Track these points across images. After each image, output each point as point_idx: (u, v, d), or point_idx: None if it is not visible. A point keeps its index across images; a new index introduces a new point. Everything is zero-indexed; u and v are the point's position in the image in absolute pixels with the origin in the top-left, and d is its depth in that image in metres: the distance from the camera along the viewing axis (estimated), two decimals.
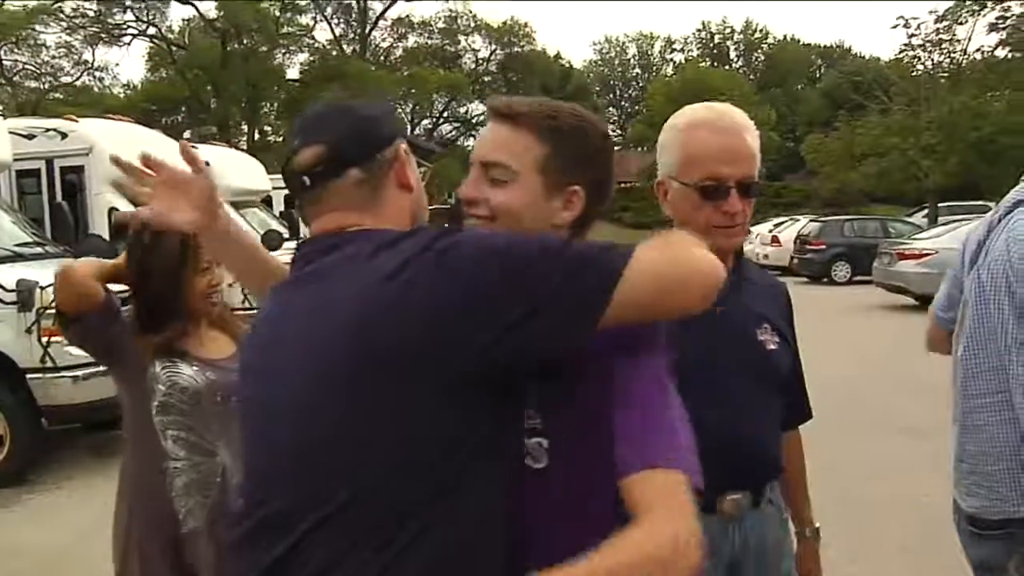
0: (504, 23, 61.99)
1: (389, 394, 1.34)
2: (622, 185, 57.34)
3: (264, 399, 1.49)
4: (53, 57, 49.16)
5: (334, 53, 55.96)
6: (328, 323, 1.40)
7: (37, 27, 45.44)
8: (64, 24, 47.34)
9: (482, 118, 38.35)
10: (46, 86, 49.27)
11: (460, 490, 1.36)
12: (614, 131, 77.95)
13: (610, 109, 78.64)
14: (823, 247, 24.21)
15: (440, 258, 1.37)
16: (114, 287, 2.81)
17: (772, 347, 2.15)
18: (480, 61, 63.84)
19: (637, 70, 79.54)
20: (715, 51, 75.86)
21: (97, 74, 53.63)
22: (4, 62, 46.37)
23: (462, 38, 62.91)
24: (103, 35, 49.98)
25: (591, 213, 1.64)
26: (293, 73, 55.76)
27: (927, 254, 16.93)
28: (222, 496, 2.67)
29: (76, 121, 11.89)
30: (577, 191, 1.61)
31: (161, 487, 2.66)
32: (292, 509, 1.39)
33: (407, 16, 60.70)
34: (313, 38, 55.94)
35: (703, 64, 68.25)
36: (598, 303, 1.35)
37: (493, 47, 63.19)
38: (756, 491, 2.12)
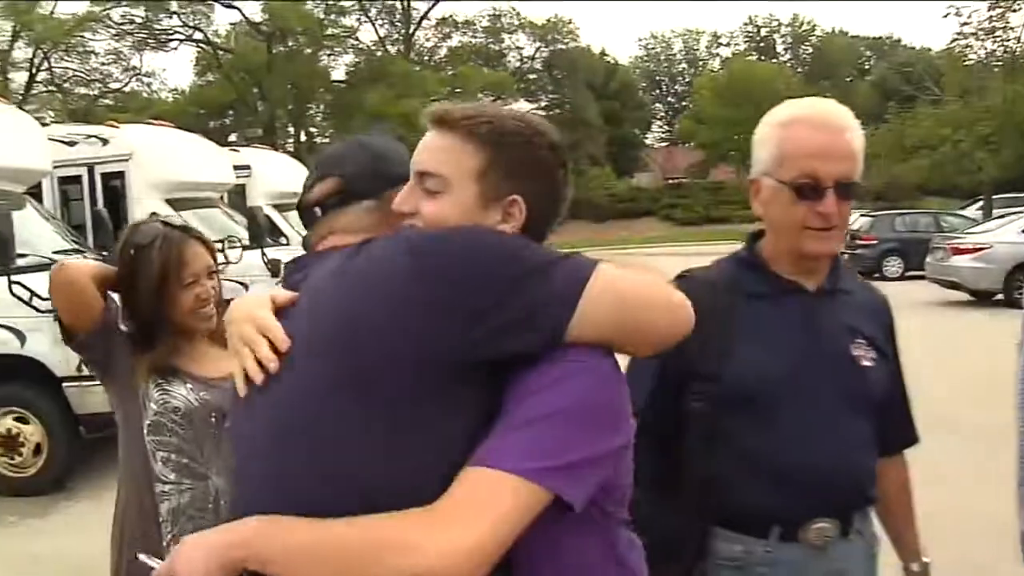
0: (548, 21, 61.84)
1: (383, 401, 1.32)
2: (670, 181, 57.19)
3: (255, 408, 1.44)
4: (102, 64, 50.16)
5: (379, 54, 56.21)
6: (318, 330, 1.39)
7: (86, 34, 46.27)
8: (113, 31, 48.25)
9: None
10: (96, 92, 50.20)
11: None
12: (661, 127, 77.89)
13: (656, 105, 78.37)
14: (874, 242, 23.73)
15: (415, 259, 1.36)
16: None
17: (867, 364, 2.01)
18: (525, 59, 63.81)
19: (683, 65, 79.16)
20: (762, 45, 75.23)
21: (145, 79, 54.63)
22: (54, 69, 47.28)
23: (506, 36, 62.94)
24: (150, 41, 50.78)
25: (538, 226, 1.52)
26: (338, 74, 56.28)
27: (981, 248, 16.62)
28: (215, 522, 2.55)
29: (117, 127, 12.00)
30: (516, 201, 1.49)
31: (152, 511, 2.55)
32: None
33: (451, 16, 60.94)
34: (358, 39, 56.30)
35: (750, 58, 67.64)
36: (563, 309, 1.34)
37: (537, 45, 63.09)
38: (844, 520, 1.99)
